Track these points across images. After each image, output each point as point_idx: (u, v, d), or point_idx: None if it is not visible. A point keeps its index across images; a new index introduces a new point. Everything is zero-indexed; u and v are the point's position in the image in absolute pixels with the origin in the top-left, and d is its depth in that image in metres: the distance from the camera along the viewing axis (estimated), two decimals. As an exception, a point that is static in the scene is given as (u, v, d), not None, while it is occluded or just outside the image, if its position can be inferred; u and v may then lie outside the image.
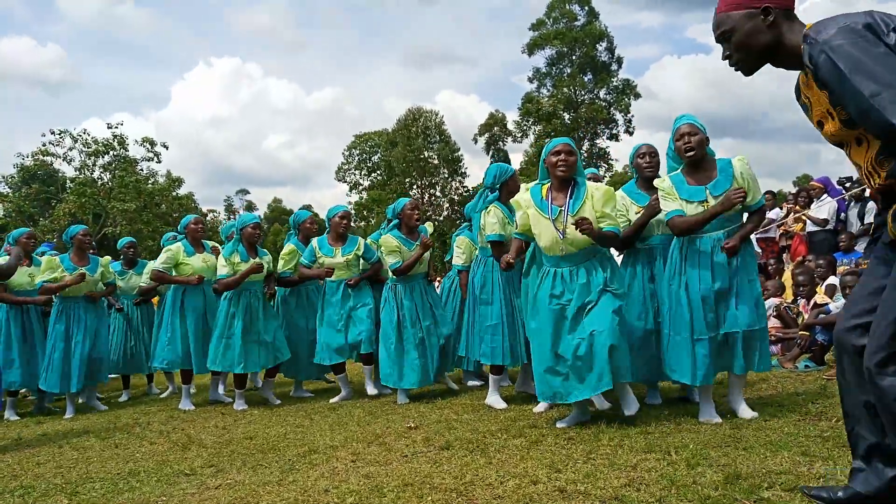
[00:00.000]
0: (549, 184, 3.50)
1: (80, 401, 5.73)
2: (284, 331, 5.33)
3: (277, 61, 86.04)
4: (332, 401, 4.98)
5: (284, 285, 5.55)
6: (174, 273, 5.35)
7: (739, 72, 1.74)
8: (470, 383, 5.27)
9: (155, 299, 6.50)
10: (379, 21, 77.67)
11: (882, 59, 1.45)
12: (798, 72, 1.77)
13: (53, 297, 5.43)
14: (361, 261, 5.18)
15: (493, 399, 4.20)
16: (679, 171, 3.45)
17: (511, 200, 3.73)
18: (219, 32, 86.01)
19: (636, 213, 3.78)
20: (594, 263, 3.39)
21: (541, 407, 3.90)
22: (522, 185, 3.86)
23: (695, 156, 3.32)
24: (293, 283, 5.48)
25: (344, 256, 5.04)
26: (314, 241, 5.15)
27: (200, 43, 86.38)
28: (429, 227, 5.03)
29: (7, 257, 5.61)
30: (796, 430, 2.91)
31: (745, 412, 3.26)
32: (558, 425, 3.37)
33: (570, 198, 3.40)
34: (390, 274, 4.80)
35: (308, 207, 38.12)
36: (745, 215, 3.41)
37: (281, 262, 5.47)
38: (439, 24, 72.59)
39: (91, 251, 5.69)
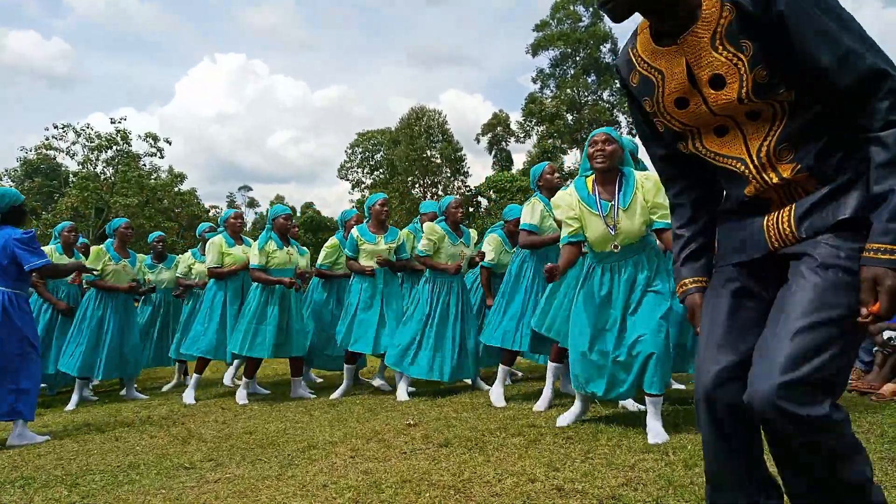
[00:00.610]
0: (594, 175, 3.35)
1: (122, 393, 5.88)
2: (309, 322, 5.45)
3: (283, 58, 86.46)
4: (332, 396, 5.00)
5: (322, 277, 5.69)
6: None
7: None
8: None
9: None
10: (385, 20, 77.80)
11: (850, 16, 1.24)
12: (641, 38, 1.44)
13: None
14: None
15: (497, 392, 4.20)
16: None
17: (551, 201, 3.59)
18: (224, 29, 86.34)
19: None
20: (642, 258, 3.28)
21: (540, 406, 3.91)
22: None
23: None
24: (331, 276, 5.61)
25: (387, 244, 5.11)
26: (355, 230, 5.17)
27: (205, 39, 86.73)
28: (473, 233, 5.12)
29: (55, 245, 5.74)
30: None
31: None
32: (557, 424, 3.39)
33: (620, 191, 3.24)
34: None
35: (310, 204, 38.13)
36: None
37: (322, 254, 5.64)
38: (445, 25, 72.75)
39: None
